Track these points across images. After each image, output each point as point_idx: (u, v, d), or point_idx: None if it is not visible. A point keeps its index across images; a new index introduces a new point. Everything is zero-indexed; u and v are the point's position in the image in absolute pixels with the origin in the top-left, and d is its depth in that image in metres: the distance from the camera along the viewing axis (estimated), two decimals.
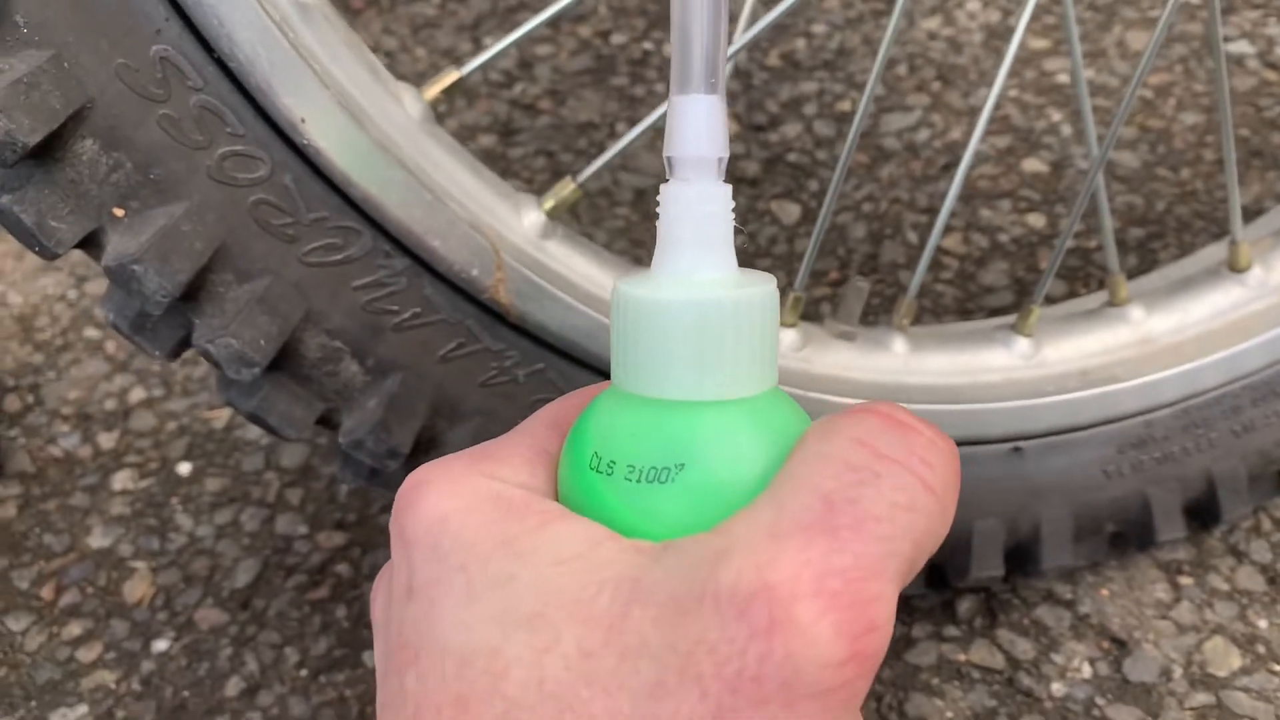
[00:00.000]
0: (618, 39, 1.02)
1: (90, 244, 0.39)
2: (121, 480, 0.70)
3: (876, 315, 0.75)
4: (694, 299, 0.26)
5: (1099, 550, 0.57)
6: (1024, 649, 0.58)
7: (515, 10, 1.06)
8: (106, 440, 0.73)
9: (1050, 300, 0.57)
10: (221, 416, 0.74)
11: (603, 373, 0.45)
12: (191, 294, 0.39)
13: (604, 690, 0.23)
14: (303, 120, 0.38)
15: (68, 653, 0.61)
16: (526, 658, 0.24)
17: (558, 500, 0.28)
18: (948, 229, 0.81)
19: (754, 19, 0.63)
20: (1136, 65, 0.69)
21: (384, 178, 0.40)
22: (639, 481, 0.26)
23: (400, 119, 0.41)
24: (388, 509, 0.67)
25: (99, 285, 0.84)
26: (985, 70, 0.95)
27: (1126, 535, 0.57)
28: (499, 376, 0.44)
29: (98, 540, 0.67)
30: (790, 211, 0.84)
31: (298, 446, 0.71)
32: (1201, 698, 0.55)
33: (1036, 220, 0.81)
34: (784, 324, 0.50)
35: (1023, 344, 0.54)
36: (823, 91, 0.94)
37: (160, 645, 0.61)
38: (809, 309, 0.74)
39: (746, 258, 0.80)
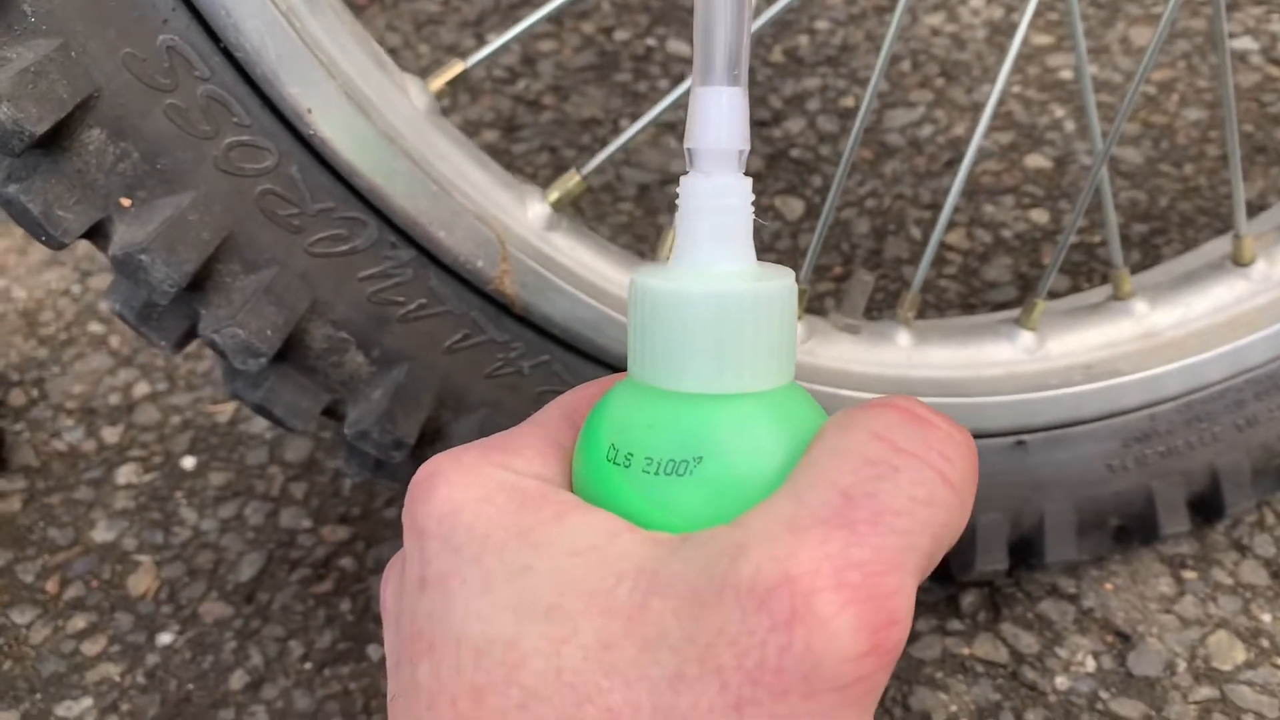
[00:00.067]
0: (621, 35, 1.02)
1: (97, 234, 0.39)
2: (125, 474, 0.70)
3: (880, 311, 0.75)
4: (713, 291, 0.26)
5: (1102, 544, 0.57)
6: (1028, 643, 0.58)
7: (518, 7, 1.06)
8: (110, 434, 0.73)
9: (1053, 295, 0.57)
10: (225, 411, 0.74)
11: (607, 364, 0.45)
12: (198, 284, 0.39)
13: (623, 681, 0.23)
14: (309, 110, 0.38)
15: (72, 646, 0.61)
16: (544, 648, 0.24)
17: (572, 492, 0.28)
18: (951, 225, 0.81)
19: (756, 15, 0.63)
20: (1140, 61, 0.69)
21: (390, 168, 0.40)
22: (657, 474, 0.26)
23: (406, 110, 0.41)
24: (392, 503, 0.67)
25: (103, 280, 0.84)
26: (988, 66, 0.95)
27: (1130, 529, 0.57)
28: (504, 368, 0.44)
29: (102, 534, 0.67)
30: (794, 207, 0.84)
31: (302, 441, 0.71)
32: (1205, 691, 0.55)
33: (1040, 216, 0.82)
34: None
35: (1026, 338, 0.54)
36: (826, 87, 0.94)
37: (165, 638, 0.61)
38: (812, 304, 0.74)
39: None
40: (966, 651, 0.58)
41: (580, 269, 0.44)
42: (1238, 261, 0.56)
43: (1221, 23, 0.52)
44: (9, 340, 0.80)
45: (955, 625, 0.59)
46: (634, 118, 0.93)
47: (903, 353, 0.52)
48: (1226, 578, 0.60)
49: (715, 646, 0.23)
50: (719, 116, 0.27)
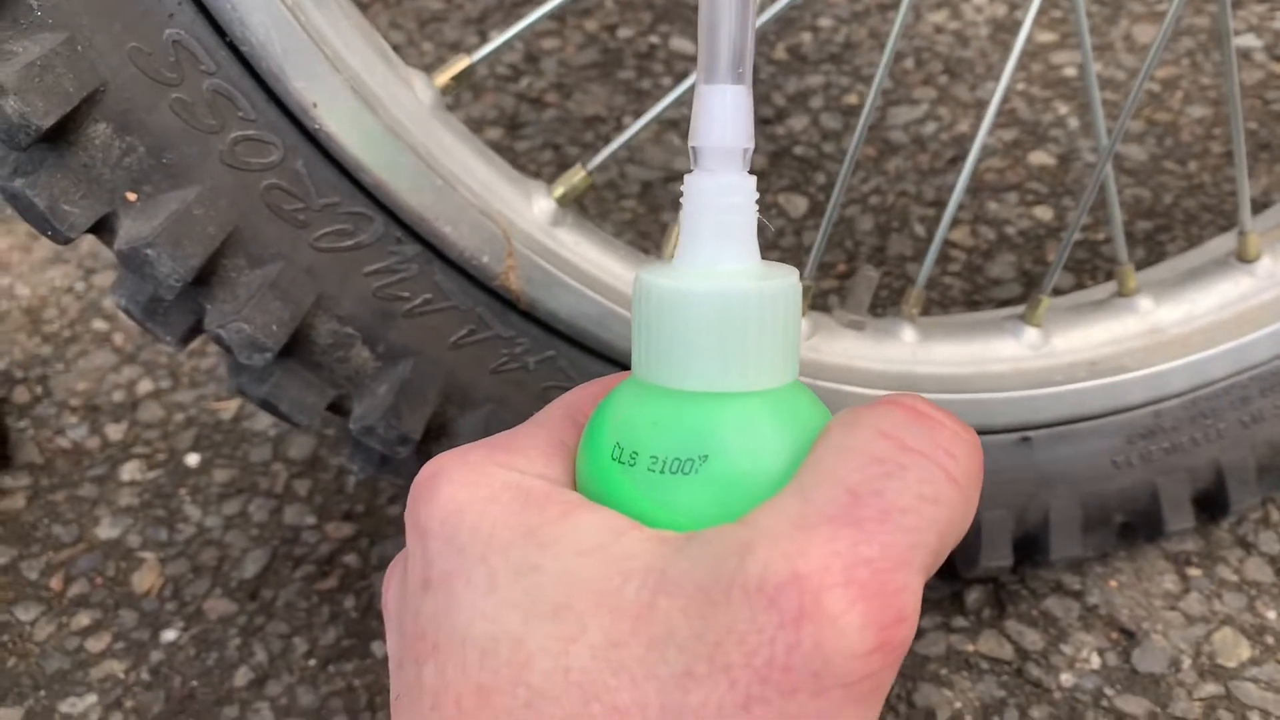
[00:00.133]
0: (624, 33, 1.02)
1: (102, 228, 0.39)
2: (129, 471, 0.70)
3: (884, 309, 0.75)
4: (718, 290, 0.26)
5: (1107, 541, 0.57)
6: (1032, 640, 0.58)
7: (521, 4, 1.06)
8: (114, 431, 0.73)
9: (1058, 292, 0.57)
10: (229, 408, 0.74)
11: (612, 360, 0.45)
12: (204, 279, 0.39)
13: (631, 680, 0.23)
14: (315, 105, 0.38)
15: (77, 643, 0.61)
16: (551, 647, 0.24)
17: (576, 491, 0.28)
18: (955, 222, 0.81)
19: (760, 12, 0.63)
20: (1144, 59, 0.69)
21: (395, 163, 0.40)
22: (662, 472, 0.26)
23: (411, 105, 0.41)
24: (396, 499, 0.67)
25: (106, 278, 0.84)
26: (992, 64, 0.95)
27: (1135, 526, 0.57)
28: (510, 363, 0.44)
29: (106, 531, 0.67)
30: (797, 204, 0.84)
31: (305, 437, 0.71)
32: (1210, 688, 0.55)
33: (1044, 213, 0.81)
34: None
35: (1031, 334, 0.54)
36: (829, 85, 0.94)
37: (169, 635, 0.61)
38: (817, 300, 0.74)
39: None
40: (971, 648, 0.58)
41: (585, 264, 0.44)
42: (1242, 258, 0.56)
43: (1226, 20, 0.52)
44: (13, 337, 0.80)
45: (960, 622, 0.59)
46: (637, 115, 0.93)
47: (908, 349, 0.52)
48: (1231, 574, 0.60)
49: (724, 645, 0.23)
50: (723, 114, 0.26)
